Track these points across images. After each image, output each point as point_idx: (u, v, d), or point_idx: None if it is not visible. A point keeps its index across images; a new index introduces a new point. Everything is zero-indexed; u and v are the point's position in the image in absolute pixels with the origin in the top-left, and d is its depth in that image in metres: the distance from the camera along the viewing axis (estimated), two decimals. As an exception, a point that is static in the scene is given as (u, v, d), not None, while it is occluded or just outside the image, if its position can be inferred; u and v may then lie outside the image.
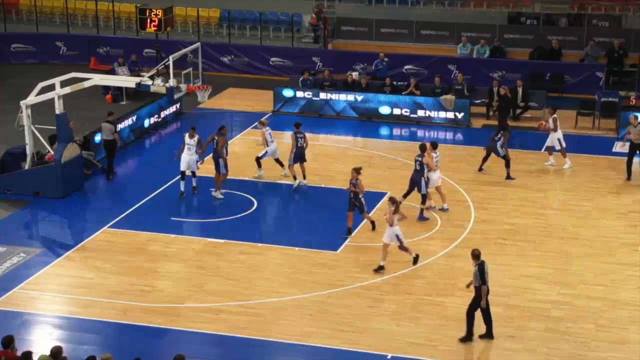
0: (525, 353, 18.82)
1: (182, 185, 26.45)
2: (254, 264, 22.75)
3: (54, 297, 21.21)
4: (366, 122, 33.63)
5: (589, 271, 22.26)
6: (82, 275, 22.22)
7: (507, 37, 38.90)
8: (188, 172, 26.35)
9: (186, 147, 26.19)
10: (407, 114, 33.37)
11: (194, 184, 26.66)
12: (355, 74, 35.55)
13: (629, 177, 27.83)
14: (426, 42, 39.67)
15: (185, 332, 19.67)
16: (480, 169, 28.37)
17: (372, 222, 24.18)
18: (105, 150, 28.48)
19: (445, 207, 25.67)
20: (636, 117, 27.71)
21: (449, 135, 32.33)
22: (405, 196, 25.44)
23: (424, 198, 25.19)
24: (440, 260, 22.83)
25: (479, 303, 18.98)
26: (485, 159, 28.30)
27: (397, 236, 21.98)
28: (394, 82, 34.88)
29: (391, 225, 21.86)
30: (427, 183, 25.10)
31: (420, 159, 25.04)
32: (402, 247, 22.13)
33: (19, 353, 16.32)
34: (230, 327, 19.80)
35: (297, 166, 26.93)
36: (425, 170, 25.00)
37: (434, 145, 25.82)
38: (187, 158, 26.20)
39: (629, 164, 27.91)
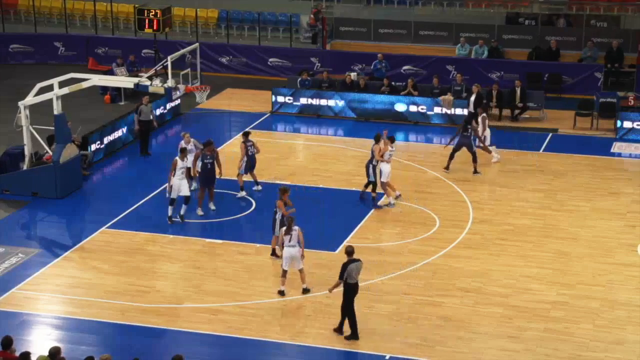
0: (525, 353, 18.83)
1: (171, 210, 24.71)
2: (252, 264, 22.74)
3: (52, 298, 21.20)
4: (364, 123, 33.61)
5: (587, 271, 22.27)
6: (80, 276, 22.22)
7: (506, 38, 38.91)
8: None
9: (179, 171, 24.36)
10: (405, 110, 33.41)
11: (183, 212, 24.88)
12: (353, 75, 35.54)
13: None
14: (424, 42, 39.67)
15: (183, 332, 19.67)
16: (447, 168, 28.40)
17: (274, 251, 23.01)
18: (144, 131, 30.07)
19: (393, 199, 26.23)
20: None
21: (447, 135, 32.25)
22: (366, 186, 26.00)
23: (374, 186, 25.77)
24: (438, 260, 22.82)
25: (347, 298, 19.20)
26: (452, 157, 28.30)
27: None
28: (392, 83, 34.87)
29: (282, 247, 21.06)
30: (374, 172, 25.59)
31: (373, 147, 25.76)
32: (301, 271, 21.14)
33: (17, 354, 16.29)
34: (228, 327, 19.79)
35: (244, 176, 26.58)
36: (374, 159, 25.60)
37: (392, 139, 26.26)
38: (179, 183, 24.41)
39: None
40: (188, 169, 24.84)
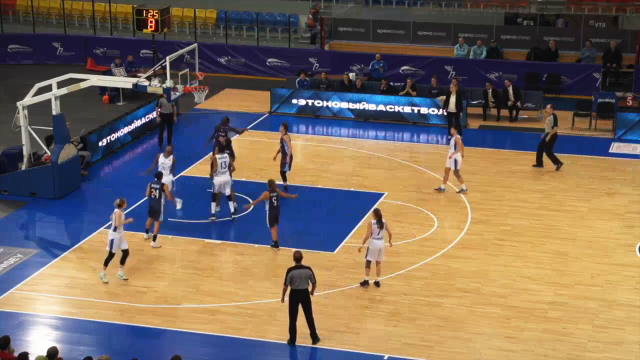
0: (523, 353, 18.84)
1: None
2: (250, 264, 22.75)
3: (50, 298, 21.20)
4: (363, 123, 33.63)
5: (585, 272, 22.29)
6: (78, 276, 22.21)
7: (504, 38, 38.91)
8: None
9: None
10: (403, 111, 33.43)
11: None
12: (351, 75, 35.55)
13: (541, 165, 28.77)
14: (423, 42, 39.69)
15: (182, 332, 19.68)
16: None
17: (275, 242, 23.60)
18: (165, 124, 30.39)
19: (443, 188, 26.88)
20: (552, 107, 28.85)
21: (446, 136, 32.26)
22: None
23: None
24: (437, 261, 22.84)
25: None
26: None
27: None
28: (391, 83, 34.88)
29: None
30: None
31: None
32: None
33: (15, 354, 16.28)
34: (226, 327, 19.80)
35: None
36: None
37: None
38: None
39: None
40: None
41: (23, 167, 26.90)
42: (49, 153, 26.81)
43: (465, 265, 22.58)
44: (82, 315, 20.39)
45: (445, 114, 32.12)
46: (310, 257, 22.21)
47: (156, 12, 35.24)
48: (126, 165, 29.91)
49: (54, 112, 26.44)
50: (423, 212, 25.69)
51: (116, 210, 21.78)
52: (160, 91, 27.80)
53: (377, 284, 21.49)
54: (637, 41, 36.80)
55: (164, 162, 25.14)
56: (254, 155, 29.23)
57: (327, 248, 23.30)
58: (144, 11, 35.43)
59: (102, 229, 24.61)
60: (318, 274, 21.71)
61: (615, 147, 30.97)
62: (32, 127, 26.72)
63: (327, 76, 35.67)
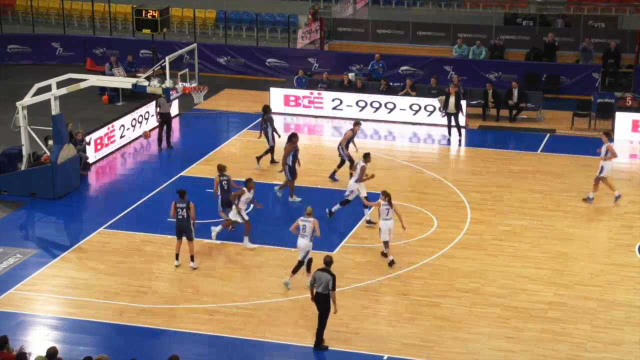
0: (522, 354, 18.84)
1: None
2: (250, 265, 22.75)
3: (50, 298, 21.21)
4: (362, 123, 33.54)
5: (585, 272, 22.29)
6: (77, 276, 22.21)
7: (503, 38, 38.90)
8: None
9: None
10: (404, 112, 33.39)
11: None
12: (351, 75, 35.53)
13: None
14: (422, 43, 39.70)
15: (181, 332, 19.68)
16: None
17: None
18: (164, 124, 30.52)
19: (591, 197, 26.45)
20: None
21: (445, 136, 32.24)
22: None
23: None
24: (436, 261, 22.84)
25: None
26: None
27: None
28: (390, 83, 34.88)
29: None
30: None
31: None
32: None
33: (14, 354, 16.30)
34: (225, 327, 19.81)
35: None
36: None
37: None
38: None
39: None
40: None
41: (22, 167, 26.90)
42: (48, 153, 26.81)
43: (464, 266, 22.59)
44: (81, 315, 20.40)
45: (443, 115, 32.10)
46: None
47: (155, 12, 35.26)
48: (125, 166, 29.89)
49: (53, 112, 26.44)
50: (423, 212, 25.69)
51: (313, 219, 21.29)
52: (159, 91, 27.75)
53: (390, 263, 22.27)
54: (637, 41, 36.81)
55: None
56: (252, 155, 29.15)
57: (327, 248, 23.28)
58: (144, 11, 35.44)
59: (101, 229, 24.61)
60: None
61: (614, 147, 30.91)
62: (32, 127, 26.73)
63: (328, 76, 35.64)
